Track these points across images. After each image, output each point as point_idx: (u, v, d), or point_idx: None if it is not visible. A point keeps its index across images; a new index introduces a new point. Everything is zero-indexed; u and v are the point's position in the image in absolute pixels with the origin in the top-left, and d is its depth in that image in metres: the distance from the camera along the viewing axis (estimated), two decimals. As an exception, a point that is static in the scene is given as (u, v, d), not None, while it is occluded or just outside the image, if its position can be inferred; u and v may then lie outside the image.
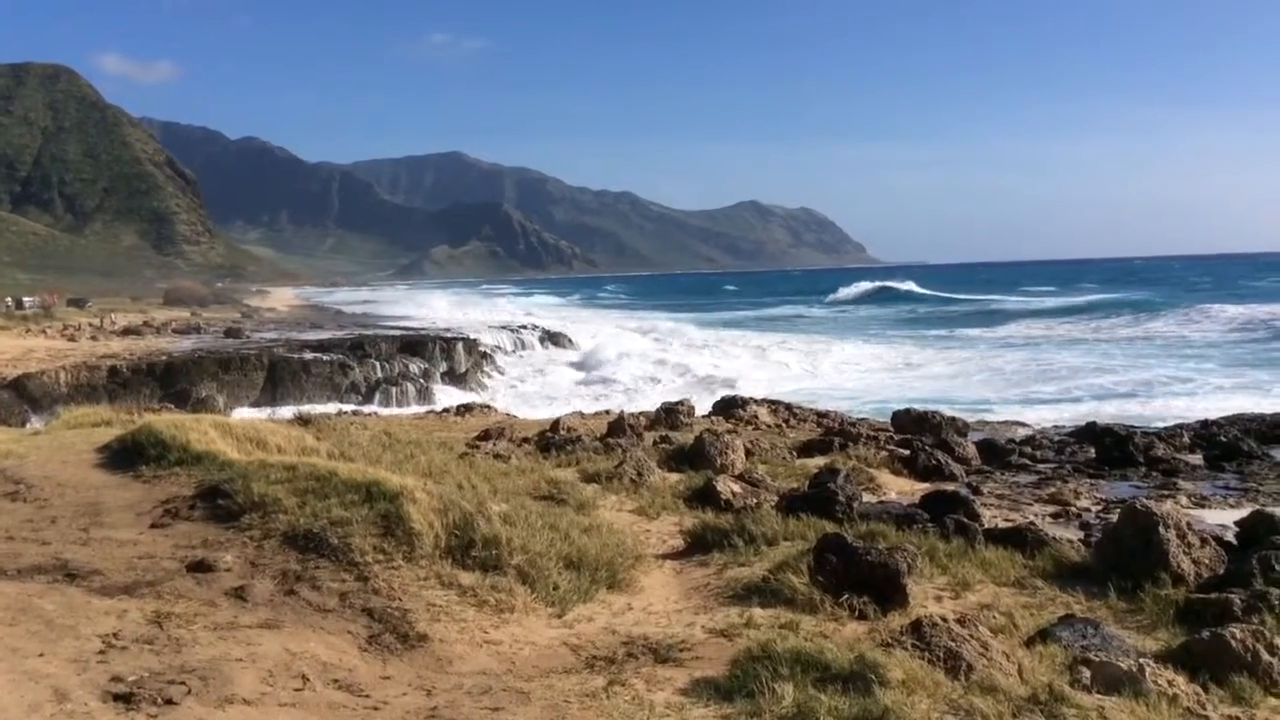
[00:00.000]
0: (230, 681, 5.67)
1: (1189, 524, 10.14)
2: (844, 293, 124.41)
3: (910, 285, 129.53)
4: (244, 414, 30.82)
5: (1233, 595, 8.22)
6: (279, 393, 37.66)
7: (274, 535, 8.65)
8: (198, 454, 11.40)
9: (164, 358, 38.51)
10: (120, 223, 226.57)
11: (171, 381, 36.09)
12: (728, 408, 24.63)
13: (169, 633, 6.46)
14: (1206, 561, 9.50)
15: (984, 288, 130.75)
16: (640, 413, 23.23)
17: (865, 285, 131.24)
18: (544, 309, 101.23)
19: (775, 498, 13.05)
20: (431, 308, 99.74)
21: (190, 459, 11.31)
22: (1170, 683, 5.91)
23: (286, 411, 30.38)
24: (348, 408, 34.57)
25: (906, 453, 17.51)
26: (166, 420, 13.39)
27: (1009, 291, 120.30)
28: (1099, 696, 5.59)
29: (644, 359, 50.37)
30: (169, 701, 5.33)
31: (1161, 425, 22.70)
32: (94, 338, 48.25)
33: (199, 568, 7.87)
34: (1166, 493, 15.46)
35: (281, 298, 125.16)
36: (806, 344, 59.28)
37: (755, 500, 12.81)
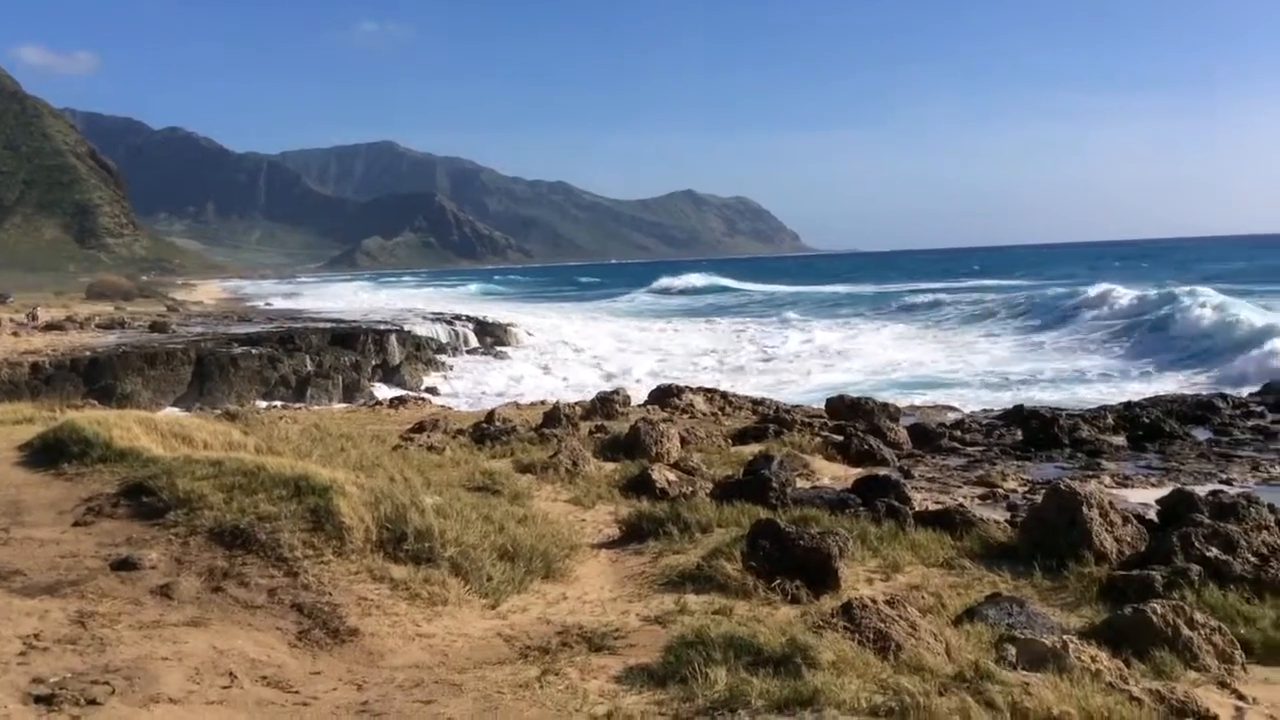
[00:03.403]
0: (156, 680, 5.57)
1: (1112, 503, 10.39)
2: (663, 283, 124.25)
3: (731, 281, 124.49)
4: (171, 411, 30.26)
5: (1154, 572, 8.43)
6: (206, 388, 36.89)
7: (200, 532, 8.49)
8: (121, 451, 11.17)
9: (88, 353, 37.48)
10: (41, 216, 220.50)
11: (95, 378, 35.18)
12: (664, 396, 24.68)
13: (92, 632, 6.32)
14: (1129, 539, 9.73)
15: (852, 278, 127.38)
16: (576, 403, 23.20)
17: (694, 277, 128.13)
18: (423, 300, 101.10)
19: (710, 485, 13.13)
20: (337, 298, 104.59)
21: (114, 456, 11.07)
22: (1094, 658, 6.03)
23: (214, 407, 29.87)
24: (277, 402, 34.01)
25: (840, 438, 17.68)
26: (89, 417, 13.12)
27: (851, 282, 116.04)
28: (1024, 673, 5.68)
29: (581, 351, 50.87)
30: (92, 702, 5.22)
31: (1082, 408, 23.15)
32: (15, 333, 46.88)
33: (123, 566, 7.71)
34: (1091, 473, 15.82)
35: (208, 291, 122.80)
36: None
37: (690, 488, 12.86)
